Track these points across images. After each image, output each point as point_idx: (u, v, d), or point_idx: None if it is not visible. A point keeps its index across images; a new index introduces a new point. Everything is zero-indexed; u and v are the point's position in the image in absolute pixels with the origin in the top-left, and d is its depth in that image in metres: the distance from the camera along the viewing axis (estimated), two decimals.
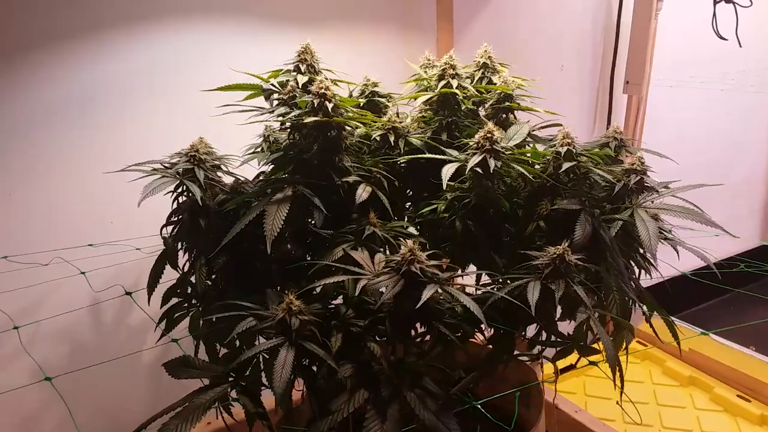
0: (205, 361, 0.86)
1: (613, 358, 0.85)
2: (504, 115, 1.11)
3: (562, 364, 1.10)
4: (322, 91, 0.91)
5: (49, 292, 1.27)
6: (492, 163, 0.88)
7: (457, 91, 1.03)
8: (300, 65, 1.04)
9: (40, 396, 1.28)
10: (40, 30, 1.22)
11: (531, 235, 1.00)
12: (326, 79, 1.05)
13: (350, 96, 1.16)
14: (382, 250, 0.90)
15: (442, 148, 0.96)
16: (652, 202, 0.99)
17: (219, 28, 1.43)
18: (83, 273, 1.18)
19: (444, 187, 0.89)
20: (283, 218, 0.88)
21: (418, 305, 0.73)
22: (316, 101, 0.91)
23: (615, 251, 0.94)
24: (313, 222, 0.93)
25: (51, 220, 1.27)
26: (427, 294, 0.74)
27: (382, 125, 1.02)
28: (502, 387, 1.27)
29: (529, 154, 0.98)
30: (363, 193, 0.91)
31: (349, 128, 0.98)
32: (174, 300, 1.03)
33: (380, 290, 0.78)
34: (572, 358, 2.32)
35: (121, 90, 1.32)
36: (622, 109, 2.31)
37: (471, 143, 0.92)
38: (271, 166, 1.02)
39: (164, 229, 1.04)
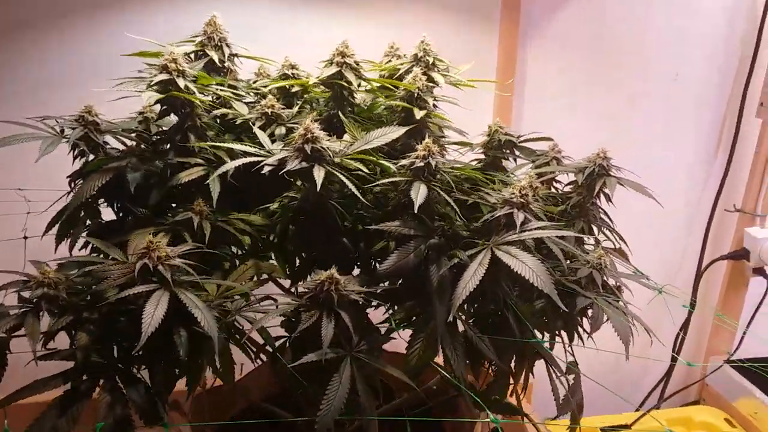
0: None
1: None
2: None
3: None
4: (165, 63, 0.87)
5: None
6: (293, 164, 0.77)
7: (304, 83, 0.91)
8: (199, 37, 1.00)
9: None
10: None
11: (381, 254, 0.86)
12: (228, 54, 1.00)
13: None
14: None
15: (266, 142, 0.86)
16: (516, 242, 0.79)
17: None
18: None
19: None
20: (97, 188, 0.87)
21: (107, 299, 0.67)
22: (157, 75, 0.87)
23: (442, 293, 0.77)
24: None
25: None
26: (129, 291, 0.68)
27: (259, 109, 0.95)
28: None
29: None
30: (185, 176, 0.86)
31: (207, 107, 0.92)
32: None
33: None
34: (628, 416, 1.98)
35: None
36: (753, 136, 1.88)
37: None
38: None
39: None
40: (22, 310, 0.74)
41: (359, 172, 0.83)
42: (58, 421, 0.69)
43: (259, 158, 0.79)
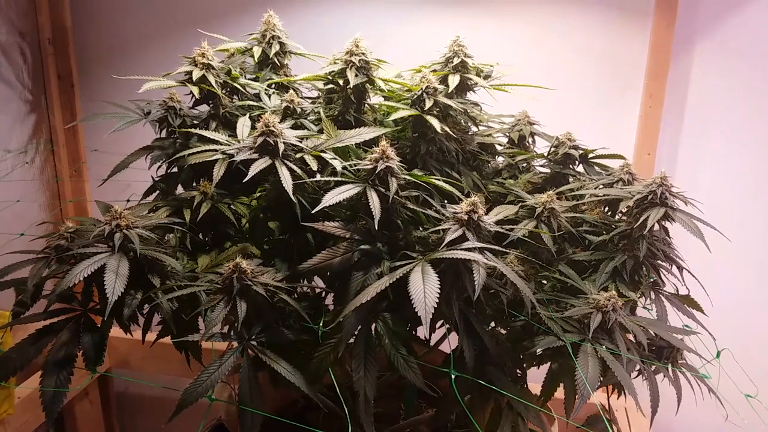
0: None
1: None
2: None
3: None
4: (194, 56, 0.97)
5: None
6: (242, 155, 0.80)
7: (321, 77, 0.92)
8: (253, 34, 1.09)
9: None
10: None
11: None
12: (275, 51, 1.08)
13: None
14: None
15: (242, 133, 0.90)
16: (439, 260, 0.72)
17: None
18: None
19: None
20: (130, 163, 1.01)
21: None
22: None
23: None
24: None
25: None
26: (75, 251, 0.79)
27: (279, 103, 1.00)
28: None
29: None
30: (192, 158, 0.94)
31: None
32: None
33: None
34: None
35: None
36: None
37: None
38: None
39: None
40: (39, 256, 0.90)
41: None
42: (30, 349, 0.83)
43: (223, 148, 0.84)
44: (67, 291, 0.86)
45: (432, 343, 0.98)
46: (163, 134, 1.07)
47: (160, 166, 1.05)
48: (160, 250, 0.84)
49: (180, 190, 1.06)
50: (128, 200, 1.28)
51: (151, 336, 0.87)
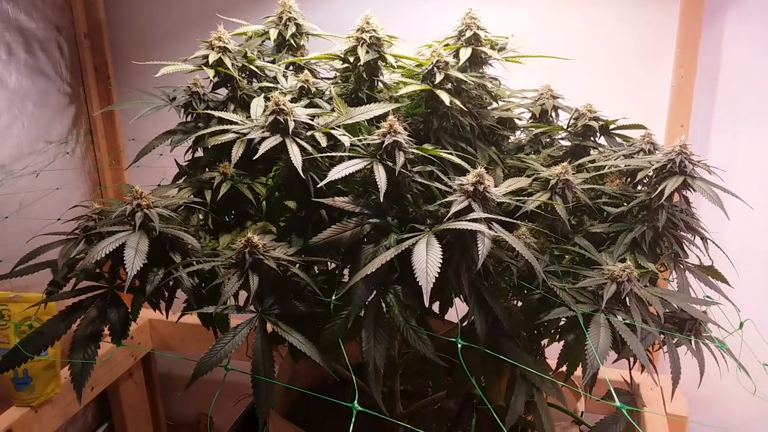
0: None
1: None
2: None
3: None
4: (211, 40, 0.99)
5: None
6: (255, 134, 0.82)
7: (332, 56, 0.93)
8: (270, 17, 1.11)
9: None
10: None
11: None
12: (291, 33, 1.09)
13: None
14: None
15: (255, 113, 0.91)
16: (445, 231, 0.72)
17: None
18: None
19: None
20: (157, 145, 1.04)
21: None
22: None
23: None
24: None
25: None
26: (98, 230, 0.83)
27: (294, 84, 1.02)
28: None
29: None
30: (212, 140, 0.97)
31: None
32: None
33: None
34: None
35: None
36: None
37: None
38: None
39: None
40: (69, 237, 0.94)
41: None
42: (60, 325, 0.87)
43: (237, 128, 0.86)
44: (93, 269, 0.91)
45: (454, 318, 0.99)
46: (188, 119, 1.10)
47: (187, 151, 1.08)
48: (181, 229, 0.87)
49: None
50: (159, 185, 1.32)
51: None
